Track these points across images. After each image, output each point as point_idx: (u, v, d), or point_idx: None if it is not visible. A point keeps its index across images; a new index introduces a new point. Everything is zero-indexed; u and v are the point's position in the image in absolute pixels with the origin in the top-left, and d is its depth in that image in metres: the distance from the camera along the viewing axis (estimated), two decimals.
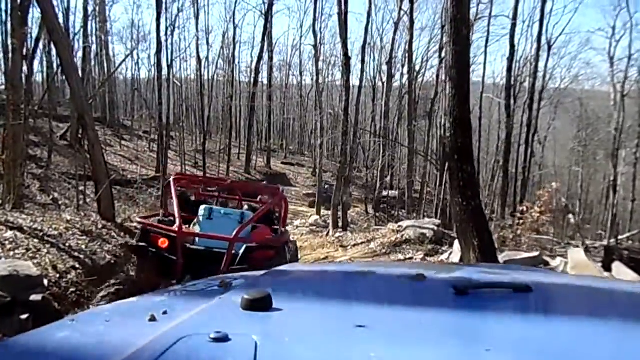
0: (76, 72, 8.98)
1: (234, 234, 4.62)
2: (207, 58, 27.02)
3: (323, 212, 17.32)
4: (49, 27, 8.25)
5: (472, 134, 6.00)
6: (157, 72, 17.09)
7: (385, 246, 8.86)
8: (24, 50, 9.87)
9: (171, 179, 5.80)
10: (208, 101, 26.43)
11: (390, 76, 24.48)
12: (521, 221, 8.25)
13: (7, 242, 5.17)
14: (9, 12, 10.75)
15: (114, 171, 15.30)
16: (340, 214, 13.99)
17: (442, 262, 7.37)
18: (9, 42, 10.41)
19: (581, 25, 53.66)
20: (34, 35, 13.68)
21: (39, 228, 6.26)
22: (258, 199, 6.96)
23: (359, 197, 24.01)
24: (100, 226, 7.56)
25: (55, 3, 10.65)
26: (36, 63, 22.53)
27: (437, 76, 21.83)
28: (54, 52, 14.25)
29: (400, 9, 21.33)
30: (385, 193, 22.05)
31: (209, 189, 7.10)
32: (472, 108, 14.89)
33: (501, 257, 6.27)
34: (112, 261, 6.36)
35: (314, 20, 19.70)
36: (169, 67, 21.00)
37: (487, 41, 19.18)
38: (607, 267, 6.34)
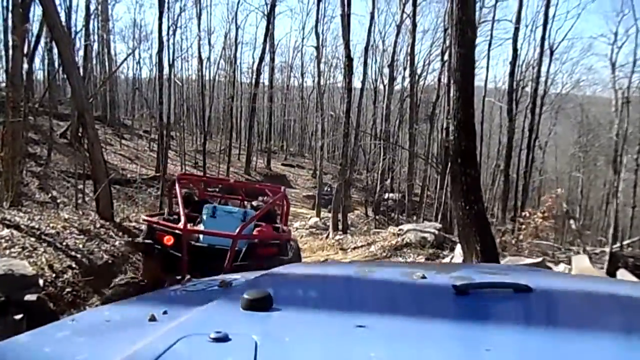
0: (76, 70, 8.92)
1: (237, 231, 4.69)
2: (208, 58, 27.02)
3: (323, 214, 17.25)
4: (50, 24, 8.19)
5: (476, 138, 5.94)
6: (159, 72, 17.03)
7: (386, 249, 8.78)
8: (25, 48, 9.77)
9: (175, 179, 5.94)
10: (209, 101, 26.38)
11: (392, 79, 24.45)
12: (523, 226, 8.19)
13: (3, 241, 5.09)
14: (10, 8, 10.70)
15: (113, 170, 15.22)
16: (340, 216, 13.91)
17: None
18: (10, 38, 10.35)
19: (583, 31, 53.66)
20: (35, 32, 13.63)
21: (36, 226, 6.18)
22: (260, 199, 7.03)
23: (359, 200, 23.95)
24: (98, 225, 7.48)
25: (57, 1, 10.59)
26: (37, 61, 22.56)
27: (439, 79, 21.78)
28: (55, 50, 14.18)
29: (403, 11, 21.33)
30: (386, 196, 21.97)
31: (210, 188, 7.16)
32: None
33: (503, 263, 6.20)
34: (110, 261, 6.27)
35: (317, 21, 19.65)
36: (170, 66, 20.97)
37: (490, 45, 19.16)
38: (611, 274, 6.26)
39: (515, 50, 14.30)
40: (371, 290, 1.25)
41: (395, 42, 22.88)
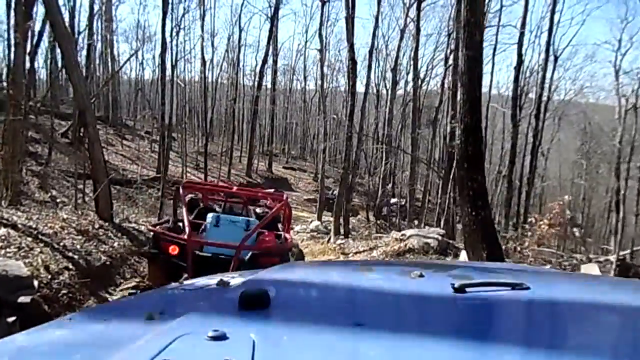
0: (78, 69, 8.84)
1: (240, 241, 4.86)
2: (211, 60, 26.99)
3: (324, 217, 17.12)
4: (52, 22, 8.12)
5: (482, 142, 5.84)
6: (161, 72, 16.95)
7: (388, 255, 8.66)
8: (28, 46, 9.70)
9: (180, 187, 6.08)
10: (211, 103, 26.31)
11: (395, 83, 24.37)
12: (529, 233, 8.05)
13: None
14: (13, 6, 10.64)
15: (114, 170, 15.13)
16: (341, 220, 13.78)
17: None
18: (12, 36, 10.28)
19: (587, 37, 53.55)
20: (37, 30, 13.56)
21: (34, 226, 6.08)
22: (262, 204, 7.21)
23: (360, 204, 23.81)
24: (97, 226, 7.37)
25: (60, 1, 10.53)
26: (41, 60, 22.53)
27: (442, 84, 21.70)
28: (58, 50, 14.13)
29: (407, 16, 21.24)
30: (392, 201, 21.86)
31: (211, 196, 7.27)
32: None
33: None
34: (108, 262, 6.16)
35: (320, 24, 19.59)
36: (173, 67, 20.89)
37: (494, 50, 19.06)
38: None
39: (520, 55, 14.21)
40: (369, 289, 1.23)
41: (399, 46, 22.81)
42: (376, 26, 17.76)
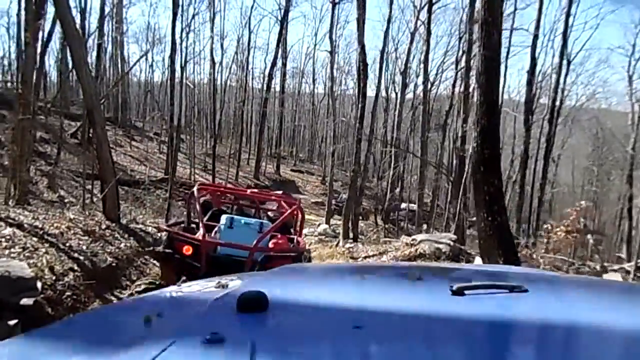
0: (87, 68, 8.79)
1: (254, 243, 4.89)
2: (220, 62, 26.97)
3: (332, 221, 16.95)
4: (62, 21, 8.08)
5: (499, 145, 5.66)
6: (170, 73, 16.95)
7: (399, 260, 8.46)
8: (37, 45, 9.68)
9: (195, 189, 6.14)
10: (220, 105, 26.31)
11: (405, 86, 24.20)
12: (545, 240, 7.81)
13: (3, 240, 4.87)
14: (24, 5, 10.65)
15: (122, 171, 15.10)
16: (350, 224, 13.60)
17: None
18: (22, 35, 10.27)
19: (601, 42, 52.88)
20: (47, 30, 13.58)
21: (40, 226, 5.98)
22: (274, 207, 7.30)
23: (368, 208, 23.63)
24: (103, 227, 7.28)
25: (71, 3, 10.49)
26: (52, 61, 22.65)
27: (453, 87, 21.49)
28: (68, 51, 14.15)
29: (417, 18, 21.08)
30: (403, 206, 21.68)
31: (223, 199, 7.31)
32: None
33: None
34: (114, 264, 6.05)
35: (331, 26, 19.51)
36: (182, 69, 20.89)
37: (507, 54, 18.78)
38: None
39: (533, 58, 13.98)
40: (368, 291, 1.23)
41: (409, 49, 22.65)
42: (388, 27, 17.63)
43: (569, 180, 33.73)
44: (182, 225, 6.02)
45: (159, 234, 8.56)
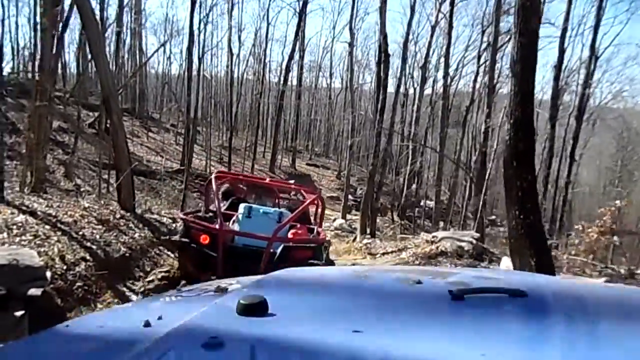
0: (104, 55, 8.66)
1: (272, 233, 4.72)
2: (238, 55, 26.83)
3: (347, 216, 16.69)
4: (79, 6, 7.92)
5: (534, 138, 5.31)
6: (188, 64, 16.83)
7: (419, 257, 8.17)
8: (54, 31, 9.58)
9: (212, 176, 5.96)
10: (237, 98, 26.21)
11: (424, 80, 23.76)
12: (577, 242, 7.40)
13: (14, 227, 4.72)
14: None
15: (138, 161, 15.07)
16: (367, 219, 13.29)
17: None
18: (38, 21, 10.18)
19: (630, 38, 51.10)
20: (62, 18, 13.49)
21: (53, 214, 5.85)
22: (293, 198, 7.01)
23: (384, 204, 23.31)
24: (118, 216, 7.13)
25: None
26: (72, 54, 22.74)
27: (474, 82, 20.99)
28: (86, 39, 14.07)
29: (439, 11, 20.60)
30: (422, 202, 21.35)
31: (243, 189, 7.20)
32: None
33: None
34: (127, 254, 5.88)
35: (351, 17, 19.17)
36: (200, 60, 20.77)
37: None
38: None
39: (561, 52, 13.43)
40: (367, 295, 1.23)
41: (429, 42, 22.21)
42: (411, 16, 17.12)
43: (589, 181, 32.90)
44: (199, 214, 5.87)
45: (174, 225, 8.43)
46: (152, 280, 5.36)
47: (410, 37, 24.97)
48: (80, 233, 5.55)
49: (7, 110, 14.67)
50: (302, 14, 25.84)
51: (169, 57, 31.22)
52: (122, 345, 0.79)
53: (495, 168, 15.50)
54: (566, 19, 13.15)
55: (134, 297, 4.80)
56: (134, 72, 21.62)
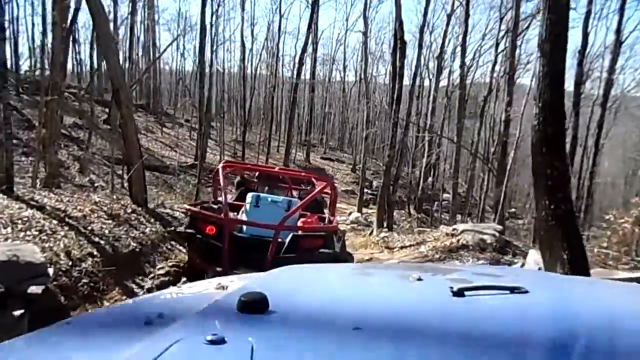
0: (112, 46, 8.50)
1: (279, 222, 4.56)
2: (251, 49, 26.66)
3: (363, 209, 16.41)
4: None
5: (564, 122, 4.95)
6: (200, 57, 16.69)
7: (439, 251, 7.86)
8: (64, 24, 9.47)
9: (219, 166, 5.80)
10: (250, 92, 26.07)
11: (440, 71, 23.22)
12: (609, 233, 6.99)
13: (19, 222, 4.57)
14: None
15: (152, 156, 15.04)
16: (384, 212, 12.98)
17: None
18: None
19: None
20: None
21: (62, 208, 5.71)
22: (304, 186, 6.99)
23: (401, 197, 22.96)
24: (129, 210, 6.98)
25: None
26: (87, 52, 22.78)
27: (492, 71, 20.40)
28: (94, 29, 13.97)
29: None
30: (444, 196, 20.98)
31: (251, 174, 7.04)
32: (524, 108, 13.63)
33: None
34: (137, 249, 5.72)
35: (365, 5, 18.75)
36: (212, 53, 20.65)
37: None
38: None
39: (585, 36, 12.87)
40: (368, 292, 1.23)
41: (445, 32, 21.62)
42: (427, 4, 16.60)
43: (610, 171, 31.96)
44: (206, 205, 5.72)
45: (187, 219, 8.27)
46: (156, 277, 5.24)
47: (425, 28, 24.49)
48: (89, 228, 5.40)
49: (23, 107, 14.77)
50: (315, 6, 25.45)
51: (183, 54, 31.25)
52: (123, 343, 0.79)
53: (514, 159, 15.04)
54: (589, 2, 12.58)
55: (142, 294, 4.63)
56: (148, 66, 21.62)
